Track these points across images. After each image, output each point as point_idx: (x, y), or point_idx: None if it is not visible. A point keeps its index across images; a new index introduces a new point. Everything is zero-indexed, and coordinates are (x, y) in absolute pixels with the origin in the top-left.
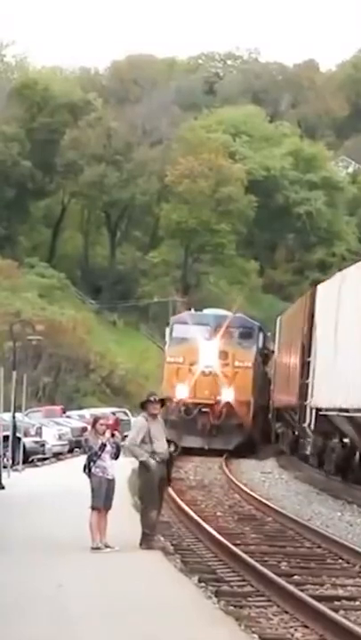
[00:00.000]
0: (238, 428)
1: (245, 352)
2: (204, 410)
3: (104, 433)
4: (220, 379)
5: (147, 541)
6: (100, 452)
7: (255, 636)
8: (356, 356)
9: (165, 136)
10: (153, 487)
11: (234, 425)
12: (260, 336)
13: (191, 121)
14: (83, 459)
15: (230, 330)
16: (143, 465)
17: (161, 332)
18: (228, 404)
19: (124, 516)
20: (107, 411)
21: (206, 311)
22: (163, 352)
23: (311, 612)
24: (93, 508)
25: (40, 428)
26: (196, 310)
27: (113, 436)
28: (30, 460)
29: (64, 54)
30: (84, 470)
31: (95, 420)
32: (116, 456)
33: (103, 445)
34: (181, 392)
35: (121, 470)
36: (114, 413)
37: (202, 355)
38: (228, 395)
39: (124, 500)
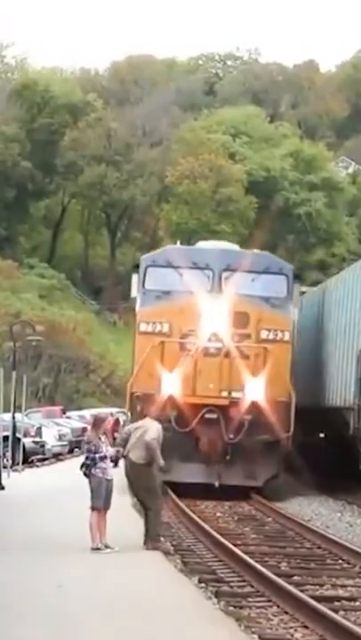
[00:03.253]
0: (273, 449)
1: (279, 315)
2: (210, 416)
3: (105, 434)
4: (238, 361)
5: (155, 542)
6: (105, 454)
7: (255, 636)
8: None
9: (165, 137)
10: (162, 489)
11: (265, 443)
12: (296, 289)
13: (191, 121)
14: (83, 459)
15: (251, 277)
16: (158, 469)
17: None
18: (253, 405)
19: (124, 516)
20: (106, 411)
21: (203, 244)
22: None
23: (311, 612)
24: (93, 509)
25: (40, 428)
26: (183, 244)
27: (114, 439)
28: (30, 460)
29: (64, 55)
30: (82, 468)
31: (96, 419)
32: (115, 461)
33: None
34: (169, 386)
35: (121, 470)
36: (112, 414)
37: (203, 320)
38: (253, 390)
39: (124, 500)
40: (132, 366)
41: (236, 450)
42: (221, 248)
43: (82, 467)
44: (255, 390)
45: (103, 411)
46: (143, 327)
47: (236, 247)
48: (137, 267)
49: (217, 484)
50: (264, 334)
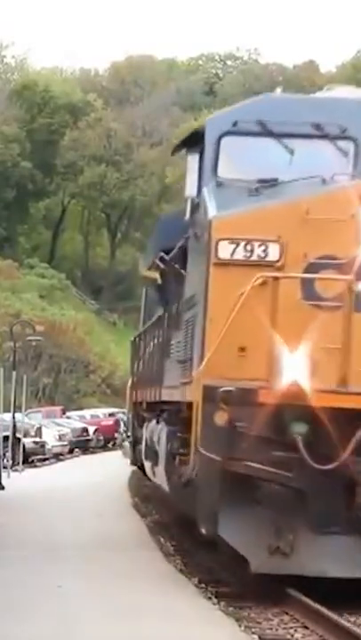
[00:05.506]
0: None
1: None
2: None
3: None
4: None
5: None
6: None
7: (255, 636)
8: None
9: (165, 137)
10: None
11: None
12: None
13: (191, 122)
14: (83, 460)
15: None
16: None
17: None
18: None
19: (124, 516)
20: (106, 411)
21: (329, 91)
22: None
23: (311, 612)
24: None
25: (40, 428)
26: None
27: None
28: (30, 460)
29: (64, 55)
30: None
31: None
32: None
33: None
34: (290, 373)
35: (121, 470)
36: (112, 414)
37: (351, 236)
38: None
39: (124, 500)
40: (186, 339)
41: None
42: None
43: None
44: None
45: (104, 411)
46: (225, 251)
47: None
48: (191, 140)
49: None
50: None
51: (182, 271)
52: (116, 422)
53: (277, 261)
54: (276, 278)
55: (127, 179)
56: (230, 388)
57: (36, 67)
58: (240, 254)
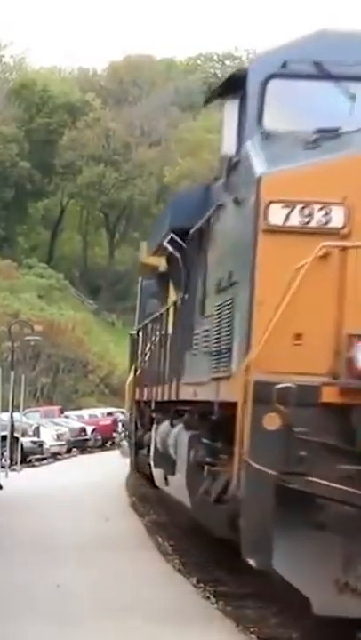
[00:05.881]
0: None
1: None
2: None
3: None
4: None
5: None
6: None
7: (253, 636)
8: None
9: (164, 137)
10: None
11: None
12: None
13: (190, 121)
14: (81, 459)
15: None
16: None
17: None
18: None
19: (123, 515)
20: (104, 411)
21: None
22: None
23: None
24: None
25: (38, 428)
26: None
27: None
28: (28, 460)
29: (62, 55)
30: None
31: None
32: None
33: None
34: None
35: (119, 470)
36: (110, 414)
37: None
38: None
39: (124, 500)
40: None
41: None
42: None
43: None
44: None
45: (103, 411)
46: (277, 216)
47: None
48: (229, 84)
49: None
50: None
51: (210, 248)
52: (114, 422)
53: (342, 228)
54: (343, 248)
55: (126, 178)
56: (290, 385)
57: (35, 66)
58: (296, 220)
